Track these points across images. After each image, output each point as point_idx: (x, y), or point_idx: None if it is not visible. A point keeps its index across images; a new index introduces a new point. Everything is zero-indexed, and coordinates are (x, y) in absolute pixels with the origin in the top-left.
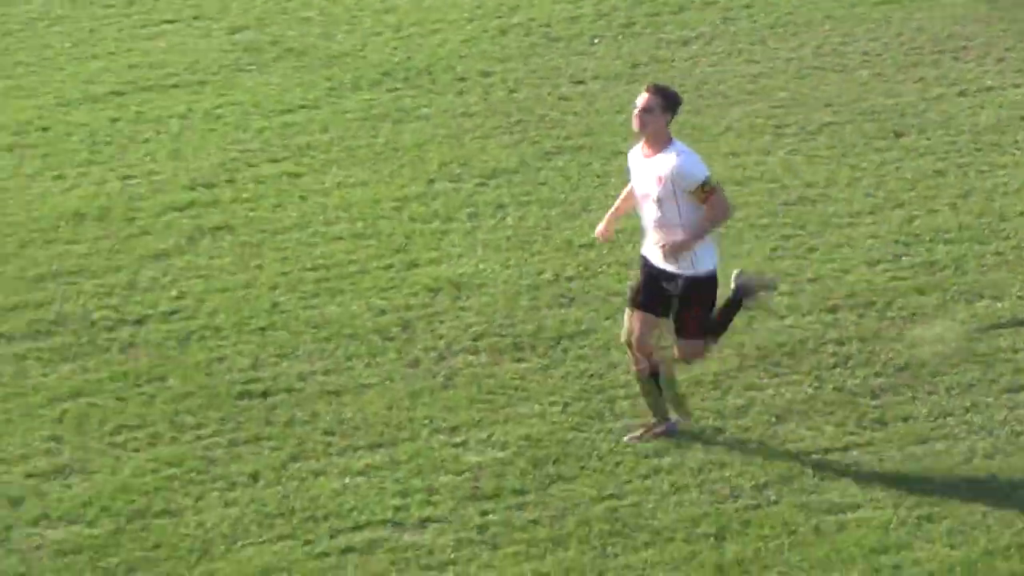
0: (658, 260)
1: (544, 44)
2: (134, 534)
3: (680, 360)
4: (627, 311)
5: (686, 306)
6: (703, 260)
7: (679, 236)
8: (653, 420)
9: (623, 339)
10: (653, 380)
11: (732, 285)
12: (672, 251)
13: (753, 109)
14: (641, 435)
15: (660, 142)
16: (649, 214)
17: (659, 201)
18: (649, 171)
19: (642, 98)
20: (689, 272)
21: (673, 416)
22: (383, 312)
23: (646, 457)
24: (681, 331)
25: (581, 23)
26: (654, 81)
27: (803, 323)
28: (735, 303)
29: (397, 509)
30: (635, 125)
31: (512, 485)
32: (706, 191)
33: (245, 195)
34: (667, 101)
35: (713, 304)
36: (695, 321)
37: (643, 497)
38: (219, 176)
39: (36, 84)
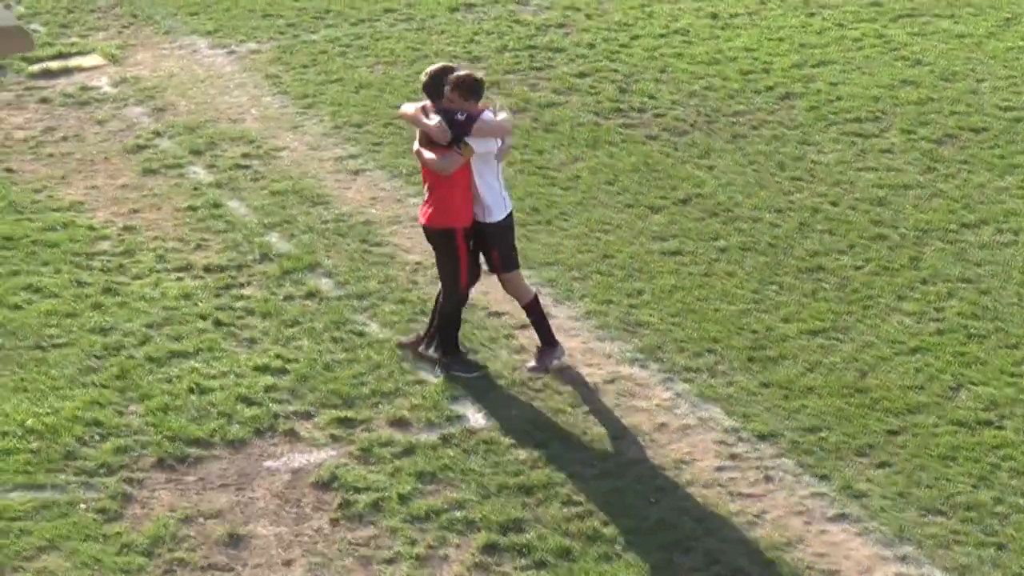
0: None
1: None
2: None
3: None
4: None
5: (489, 247)
6: (493, 213)
7: None
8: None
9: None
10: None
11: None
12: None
13: None
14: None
15: None
16: None
17: None
18: None
19: None
20: (485, 219)
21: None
22: None
23: None
24: (493, 269)
25: None
26: None
27: None
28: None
29: None
30: None
31: None
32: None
33: None
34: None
35: (509, 244)
36: (501, 259)
37: None
38: None
39: None
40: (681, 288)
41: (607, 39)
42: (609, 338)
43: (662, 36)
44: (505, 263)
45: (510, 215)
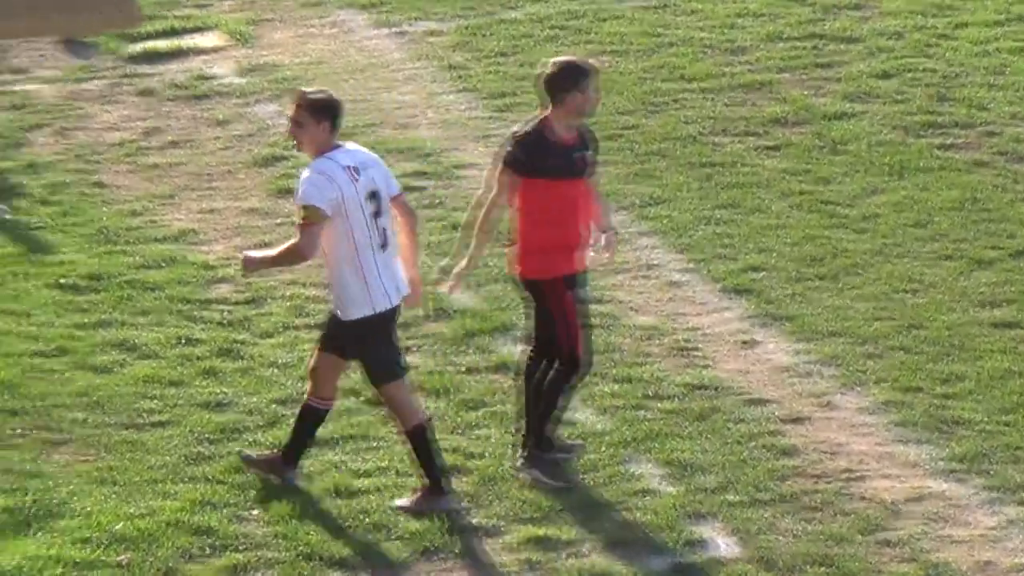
0: None
1: None
2: None
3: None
4: None
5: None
6: (348, 309)
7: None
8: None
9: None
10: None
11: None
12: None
13: None
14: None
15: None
16: None
17: None
18: None
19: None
20: (337, 313)
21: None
22: None
23: None
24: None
25: None
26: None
27: None
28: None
29: None
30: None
31: None
32: (301, 217)
33: None
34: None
35: (367, 354)
36: (365, 371)
37: None
38: None
39: None
40: (1018, 374)
41: (920, 26)
42: (915, 440)
43: (998, 24)
44: (378, 372)
45: (380, 316)
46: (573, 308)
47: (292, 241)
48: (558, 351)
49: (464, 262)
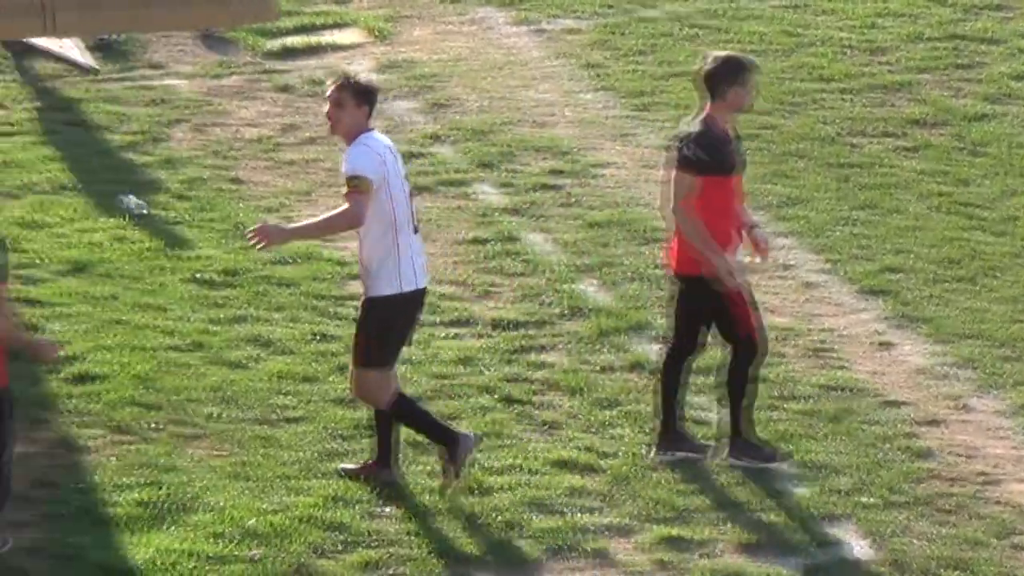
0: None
1: None
2: None
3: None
4: None
5: (358, 327)
6: (378, 285)
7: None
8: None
9: None
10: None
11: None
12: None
13: None
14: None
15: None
16: None
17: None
18: None
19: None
20: (367, 293)
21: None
22: None
23: None
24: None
25: None
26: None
27: None
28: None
29: None
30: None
31: None
32: (350, 187)
33: None
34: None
35: (382, 335)
36: (358, 347)
37: None
38: None
39: None
40: None
41: None
42: None
43: None
44: (374, 353)
45: (408, 297)
46: (741, 294)
47: (341, 208)
48: (734, 338)
49: (723, 261)
